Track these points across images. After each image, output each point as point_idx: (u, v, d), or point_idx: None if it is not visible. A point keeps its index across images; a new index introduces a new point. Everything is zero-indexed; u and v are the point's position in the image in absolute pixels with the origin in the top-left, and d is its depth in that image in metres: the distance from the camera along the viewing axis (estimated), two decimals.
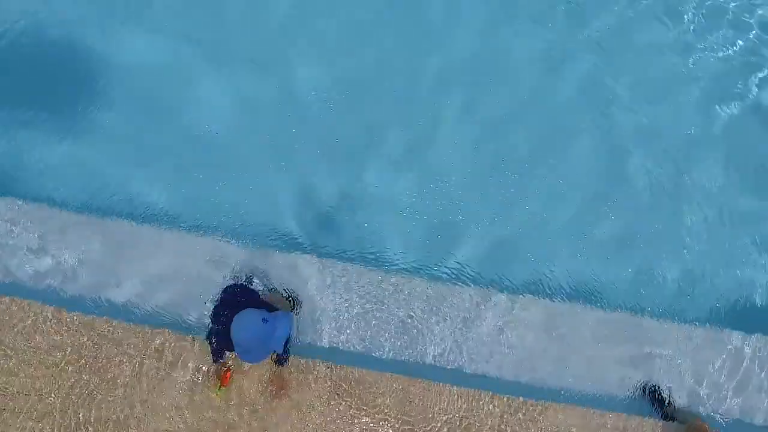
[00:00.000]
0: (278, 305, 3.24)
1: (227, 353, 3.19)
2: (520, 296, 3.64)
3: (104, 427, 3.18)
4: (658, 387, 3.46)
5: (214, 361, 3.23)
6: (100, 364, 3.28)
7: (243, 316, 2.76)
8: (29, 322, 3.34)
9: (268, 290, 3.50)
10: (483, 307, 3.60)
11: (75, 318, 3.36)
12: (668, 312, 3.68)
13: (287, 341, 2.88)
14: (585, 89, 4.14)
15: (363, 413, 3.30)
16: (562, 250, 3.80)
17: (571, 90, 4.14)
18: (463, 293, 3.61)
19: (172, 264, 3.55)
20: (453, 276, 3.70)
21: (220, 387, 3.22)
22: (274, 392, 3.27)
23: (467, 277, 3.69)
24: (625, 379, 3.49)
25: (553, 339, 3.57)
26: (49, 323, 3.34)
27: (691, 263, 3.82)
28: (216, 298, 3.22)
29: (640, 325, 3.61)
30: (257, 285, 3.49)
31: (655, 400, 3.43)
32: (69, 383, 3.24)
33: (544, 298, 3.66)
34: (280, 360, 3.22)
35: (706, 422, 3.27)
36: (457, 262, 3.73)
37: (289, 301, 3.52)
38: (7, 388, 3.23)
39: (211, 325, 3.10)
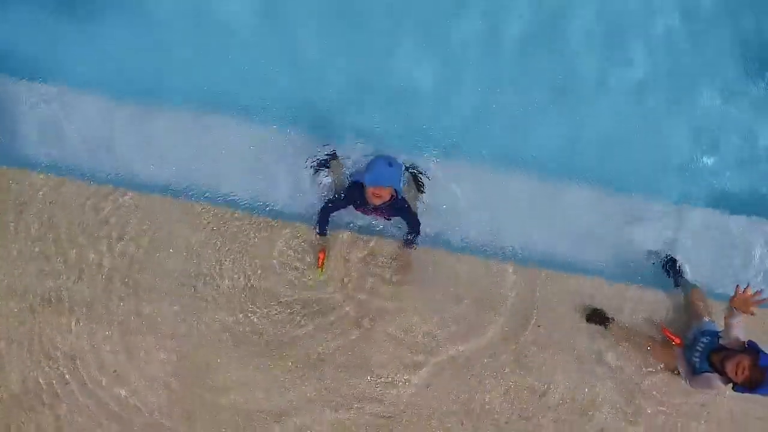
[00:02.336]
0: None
1: (328, 231, 3.46)
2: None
3: None
4: (675, 258, 3.70)
5: (318, 232, 3.45)
6: None
7: (378, 157, 3.17)
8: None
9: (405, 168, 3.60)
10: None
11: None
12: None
13: (417, 226, 3.39)
14: None
15: None
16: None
17: None
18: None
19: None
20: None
21: (317, 268, 3.48)
22: (398, 269, 3.52)
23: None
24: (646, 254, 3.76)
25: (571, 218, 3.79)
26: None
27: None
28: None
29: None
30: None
31: (670, 269, 3.68)
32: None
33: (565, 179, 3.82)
34: (408, 242, 3.48)
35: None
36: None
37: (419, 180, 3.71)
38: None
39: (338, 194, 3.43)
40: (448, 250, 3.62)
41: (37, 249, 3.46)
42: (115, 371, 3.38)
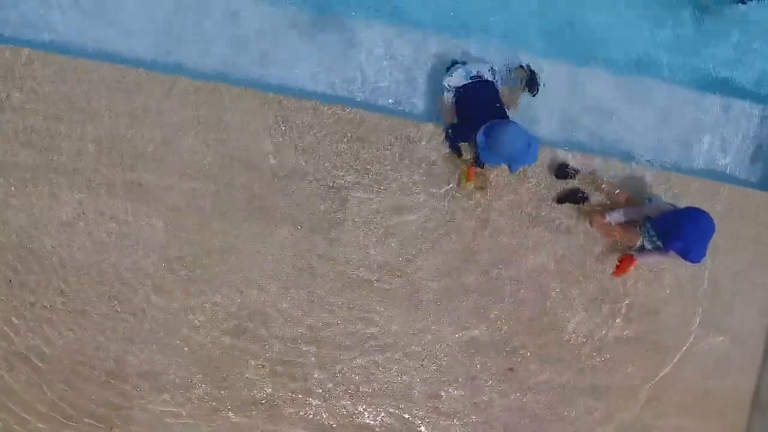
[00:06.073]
0: (510, 102, 3.48)
1: (462, 150, 3.43)
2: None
3: None
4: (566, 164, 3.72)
5: (453, 152, 3.48)
6: None
7: (513, 129, 3.02)
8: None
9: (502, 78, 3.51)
10: None
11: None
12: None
13: None
14: None
15: None
16: None
17: None
18: None
19: None
20: None
21: (465, 181, 3.53)
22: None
23: None
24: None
25: None
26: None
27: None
28: (457, 91, 3.33)
29: None
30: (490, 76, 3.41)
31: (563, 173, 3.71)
32: None
33: None
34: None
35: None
36: None
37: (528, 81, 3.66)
38: None
39: (455, 117, 3.34)
40: None
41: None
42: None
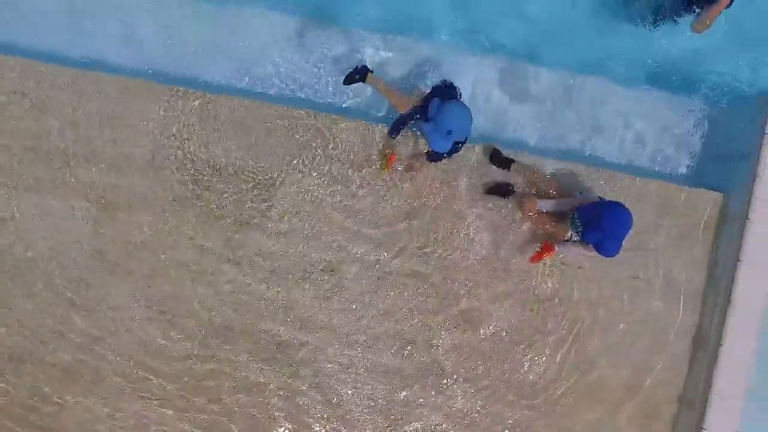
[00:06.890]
0: None
1: (401, 136, 3.58)
2: None
3: None
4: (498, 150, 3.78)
5: (390, 134, 3.57)
6: None
7: (463, 111, 3.28)
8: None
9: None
10: None
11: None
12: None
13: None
14: None
15: None
16: None
17: None
18: None
19: None
20: None
21: (384, 168, 3.64)
22: (408, 168, 3.67)
23: None
24: None
25: None
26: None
27: None
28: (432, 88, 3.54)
29: None
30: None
31: (497, 161, 3.77)
32: None
33: None
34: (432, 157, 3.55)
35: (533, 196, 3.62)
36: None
37: None
38: None
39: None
40: None
41: None
42: None
